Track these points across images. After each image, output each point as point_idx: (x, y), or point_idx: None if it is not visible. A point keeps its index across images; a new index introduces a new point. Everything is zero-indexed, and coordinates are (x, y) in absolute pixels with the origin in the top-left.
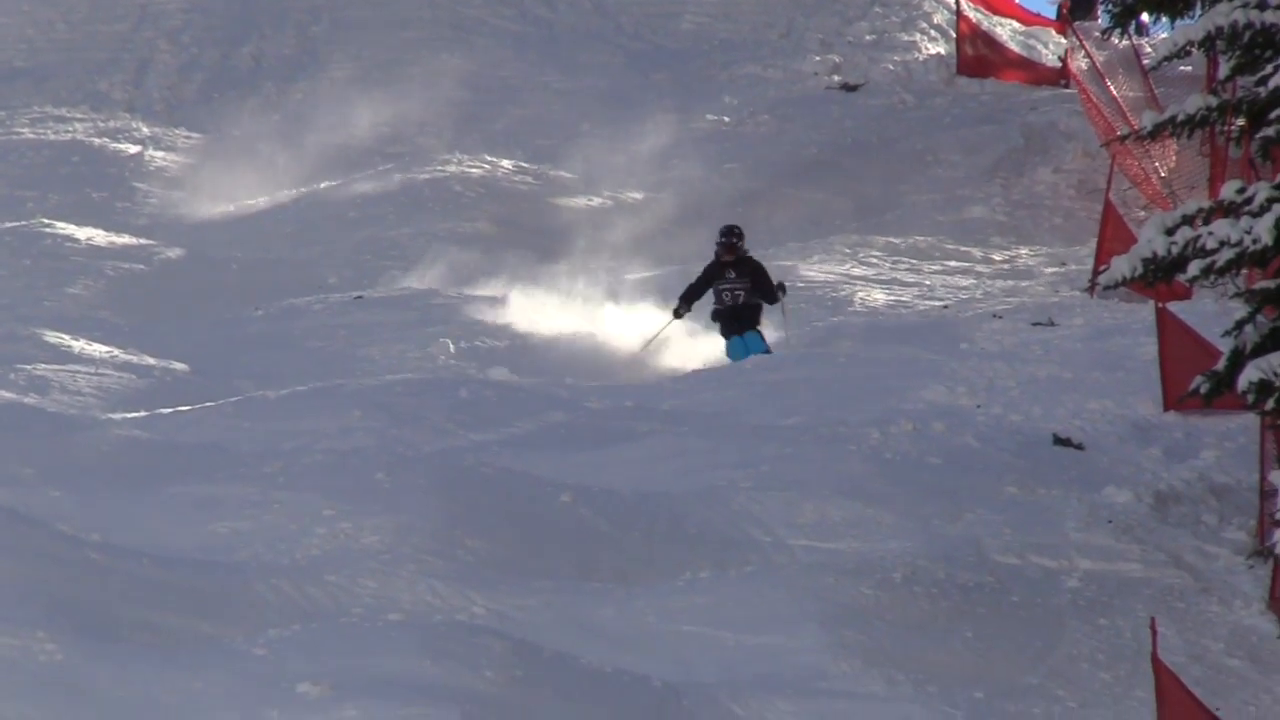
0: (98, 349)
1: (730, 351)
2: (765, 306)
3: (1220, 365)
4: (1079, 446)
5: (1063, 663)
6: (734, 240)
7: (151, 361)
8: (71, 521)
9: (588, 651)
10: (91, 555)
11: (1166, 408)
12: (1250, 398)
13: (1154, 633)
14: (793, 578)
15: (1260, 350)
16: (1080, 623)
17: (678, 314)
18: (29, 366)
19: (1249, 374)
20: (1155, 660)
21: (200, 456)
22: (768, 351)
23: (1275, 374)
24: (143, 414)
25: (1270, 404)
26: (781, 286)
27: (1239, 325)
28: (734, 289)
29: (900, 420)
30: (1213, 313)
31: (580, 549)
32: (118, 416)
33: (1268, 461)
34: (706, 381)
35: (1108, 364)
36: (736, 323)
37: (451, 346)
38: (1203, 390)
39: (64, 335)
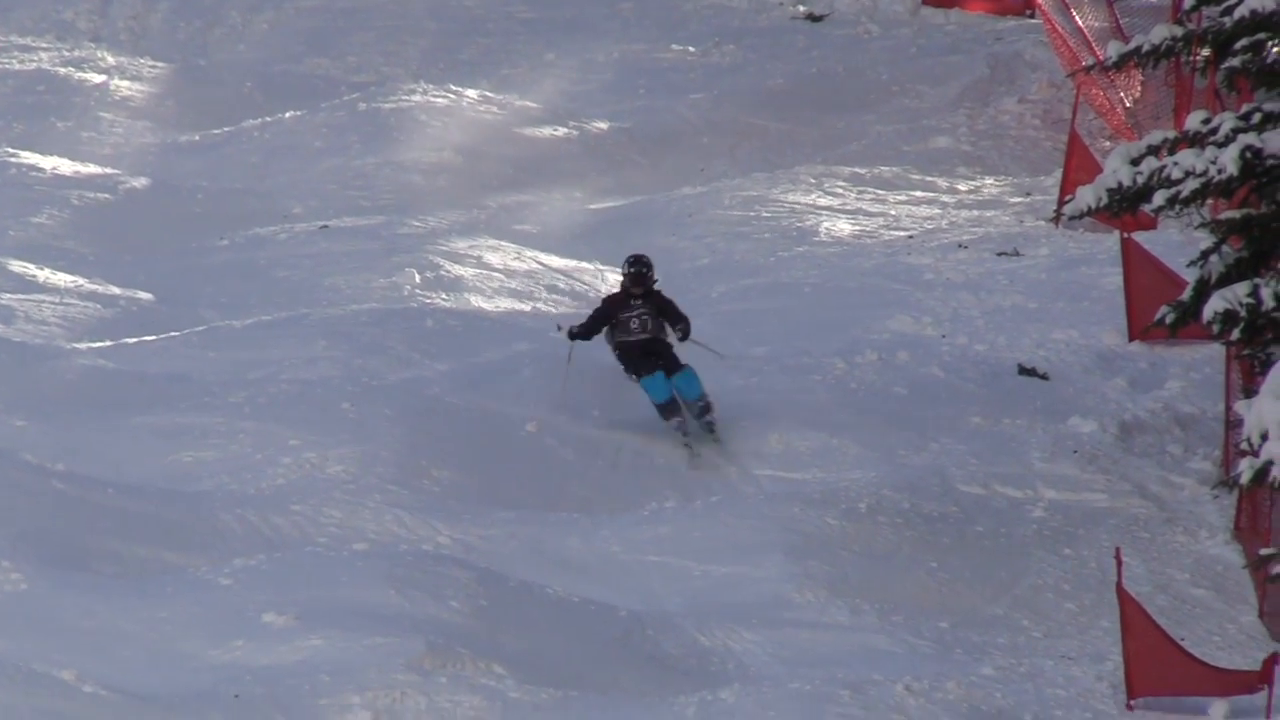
0: (63, 278)
1: (651, 389)
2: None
3: (1185, 295)
4: (1044, 376)
5: (1028, 593)
6: (644, 270)
7: (117, 291)
8: (37, 451)
9: (553, 581)
10: (57, 485)
11: (1132, 338)
12: (1215, 328)
13: (1119, 563)
14: (758, 508)
15: (1225, 280)
16: (1045, 553)
17: (573, 337)
18: None
19: (1214, 304)
20: (1120, 590)
21: (165, 386)
22: (699, 394)
23: (1240, 304)
24: (108, 344)
25: (1235, 334)
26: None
27: (1204, 255)
28: (641, 315)
29: (865, 350)
30: (1178, 243)
31: (545, 479)
32: (83, 346)
33: (1232, 391)
34: None
35: (1073, 294)
36: (651, 359)
37: (417, 276)
38: (1168, 320)
39: (29, 265)
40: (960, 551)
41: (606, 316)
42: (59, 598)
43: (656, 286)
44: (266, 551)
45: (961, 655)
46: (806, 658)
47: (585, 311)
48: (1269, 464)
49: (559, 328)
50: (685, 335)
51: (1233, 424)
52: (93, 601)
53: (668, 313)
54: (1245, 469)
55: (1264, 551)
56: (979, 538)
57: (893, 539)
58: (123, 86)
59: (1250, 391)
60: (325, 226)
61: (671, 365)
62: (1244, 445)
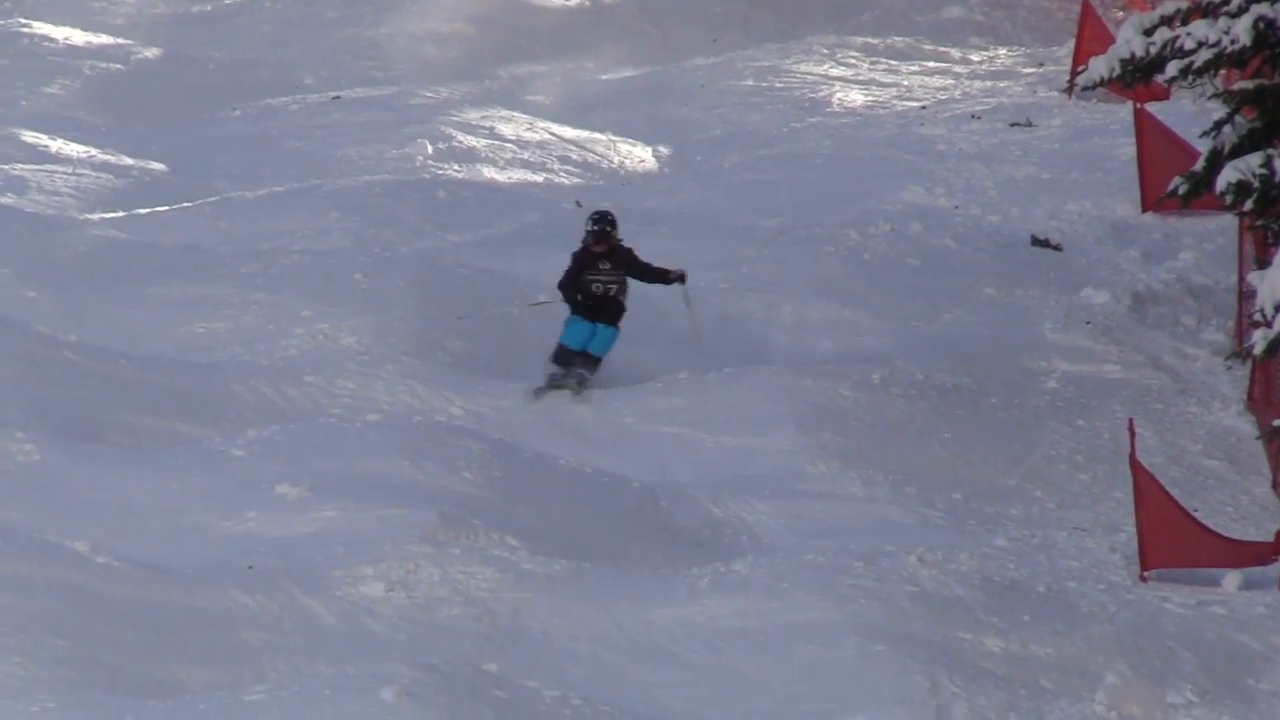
0: (75, 149)
1: (568, 331)
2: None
3: (1198, 166)
4: (1057, 247)
5: (1041, 464)
6: (607, 229)
7: (129, 162)
8: (49, 322)
9: (566, 452)
10: (69, 356)
11: (1144, 209)
12: (1228, 198)
13: (1132, 434)
14: (770, 379)
15: (1238, 151)
16: (1058, 424)
17: (542, 301)
18: (6, 166)
19: (1227, 175)
20: (1133, 461)
21: (178, 257)
22: (601, 354)
23: (1253, 174)
24: (120, 214)
25: (1248, 204)
26: (682, 276)
27: (1217, 126)
28: (606, 281)
29: (878, 221)
30: (1191, 113)
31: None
32: (95, 217)
33: (1245, 262)
34: (684, 181)
35: (1086, 165)
36: (593, 312)
37: (429, 147)
38: (1181, 191)
39: (41, 135)
40: (973, 423)
41: (577, 274)
42: (72, 469)
43: (623, 244)
44: (279, 423)
45: (974, 526)
46: (819, 529)
47: (598, 184)
48: None
49: (578, 204)
50: (663, 280)
51: (1246, 295)
52: (105, 473)
53: (635, 270)
54: (1258, 340)
55: (1277, 422)
56: (992, 409)
57: (906, 410)
58: None
59: (1263, 262)
60: (338, 97)
61: (605, 319)
62: (1257, 316)
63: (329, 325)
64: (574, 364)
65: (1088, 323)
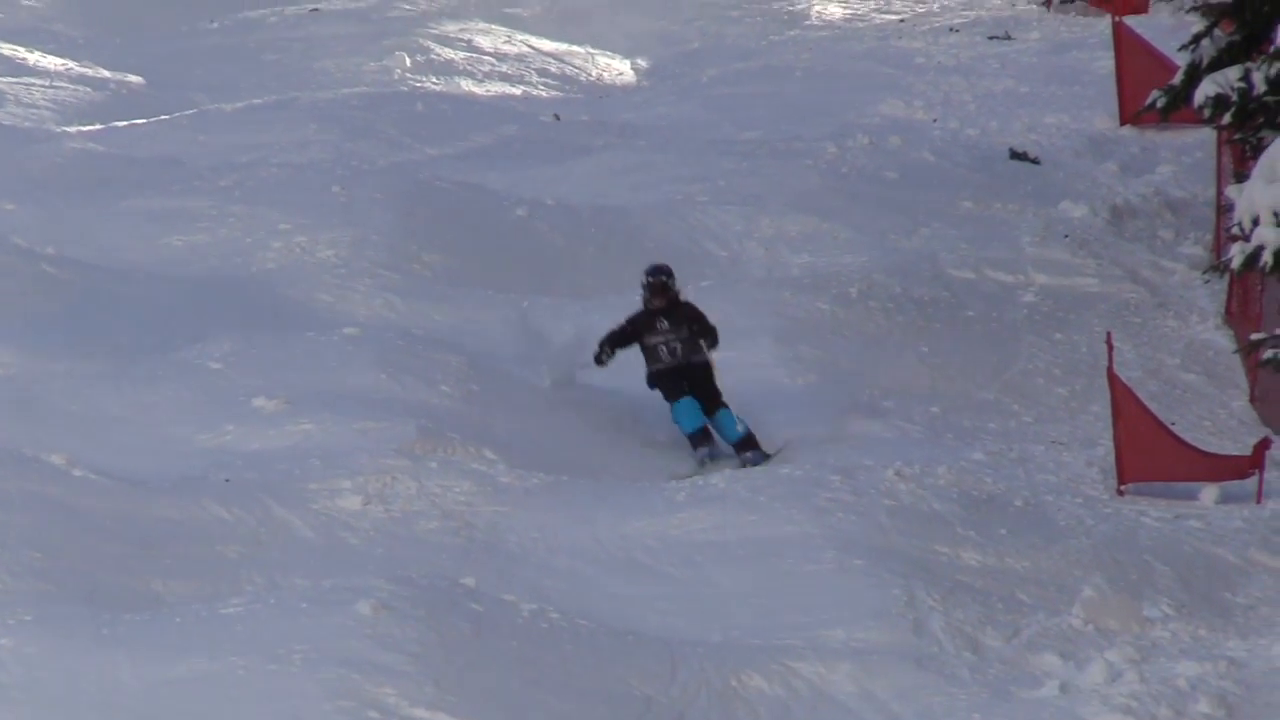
0: (52, 61)
1: (680, 415)
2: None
3: (1176, 80)
4: (1035, 161)
5: (1019, 377)
6: (664, 280)
7: (106, 74)
8: (26, 234)
9: (544, 365)
10: (46, 269)
11: (1123, 122)
12: (1206, 112)
13: (1110, 347)
14: (749, 292)
15: (1216, 65)
16: (1036, 337)
17: (600, 360)
18: None
19: (1205, 88)
20: (1111, 375)
21: (155, 170)
22: (747, 436)
23: (1231, 88)
24: (98, 127)
25: (1226, 119)
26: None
27: (1196, 39)
28: (669, 341)
29: (857, 134)
30: (1169, 27)
31: (536, 263)
32: (73, 129)
33: (1224, 176)
34: (662, 94)
35: (1064, 78)
36: (686, 384)
37: (407, 60)
38: (1159, 105)
39: (18, 48)
40: (951, 336)
41: (631, 337)
42: (49, 381)
43: (683, 298)
44: (256, 336)
45: (952, 440)
46: (797, 441)
47: (576, 97)
48: (1260, 249)
49: (556, 117)
50: (714, 343)
51: (1224, 209)
52: (82, 386)
53: (698, 327)
54: (1236, 254)
55: (1254, 336)
56: (970, 322)
57: (883, 324)
58: None
59: (1241, 176)
60: (315, 10)
61: (709, 396)
62: (1235, 230)
63: (306, 238)
64: (722, 443)
65: (1066, 236)
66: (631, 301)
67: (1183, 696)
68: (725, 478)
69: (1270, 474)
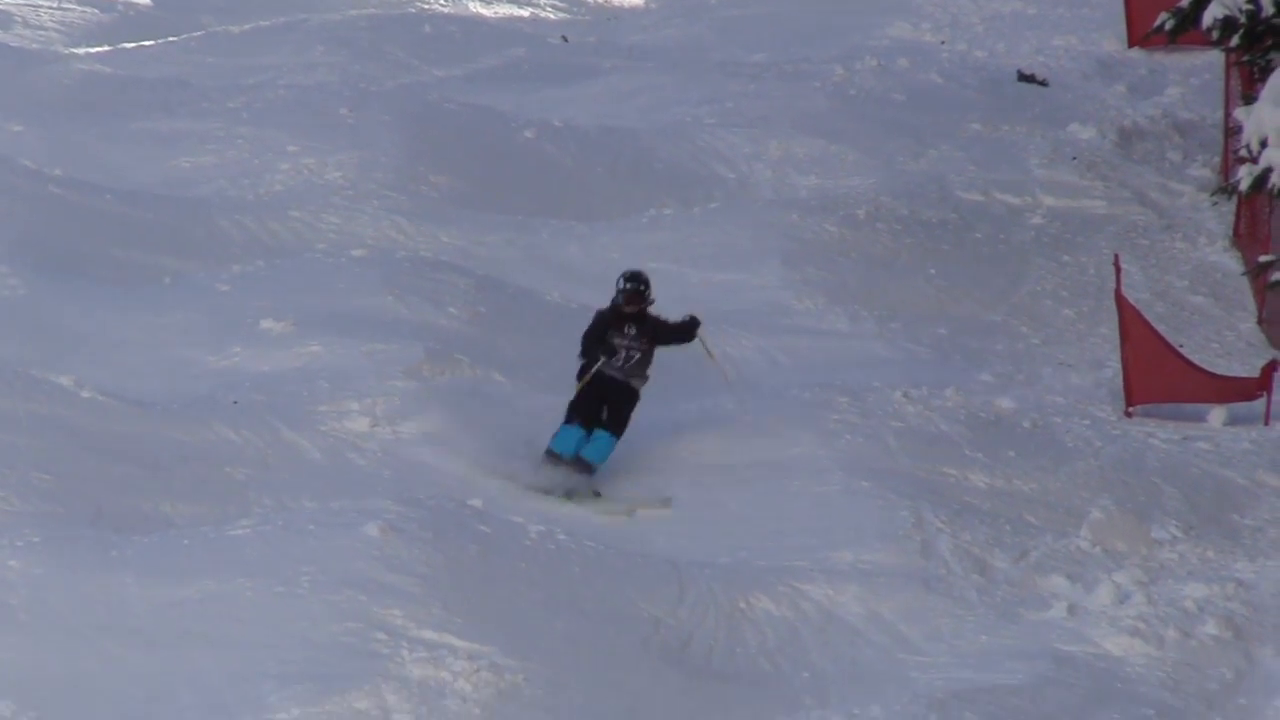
0: None
1: (558, 437)
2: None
3: (1185, 1)
4: (1043, 83)
5: (1026, 299)
6: (640, 288)
7: None
8: (34, 156)
9: (551, 287)
10: (54, 190)
11: (1131, 44)
12: (1214, 34)
13: (1118, 269)
14: (757, 214)
15: None
16: (1044, 259)
17: (593, 365)
18: None
19: (1213, 10)
20: (1119, 296)
21: (164, 92)
22: (595, 464)
23: (1239, 10)
24: (106, 49)
25: (1234, 40)
26: (696, 323)
27: None
28: (630, 348)
29: (865, 57)
30: None
31: (544, 185)
32: (81, 51)
33: (1232, 98)
34: (670, 17)
35: (1072, 0)
36: (598, 404)
37: None
38: (1167, 27)
39: None
40: (959, 258)
41: (600, 336)
42: (57, 303)
43: (654, 313)
44: (265, 258)
45: (960, 362)
46: (805, 364)
47: (584, 19)
48: (1268, 170)
49: (565, 39)
50: (688, 338)
51: (1232, 130)
52: (91, 307)
53: (661, 337)
54: (1244, 175)
55: (1263, 258)
56: (978, 244)
57: (891, 246)
58: None
59: (1249, 98)
60: None
61: (615, 421)
62: (1243, 152)
63: (314, 160)
64: (564, 467)
65: (1074, 158)
66: (638, 225)
67: (1190, 618)
68: (735, 401)
69: (1278, 395)
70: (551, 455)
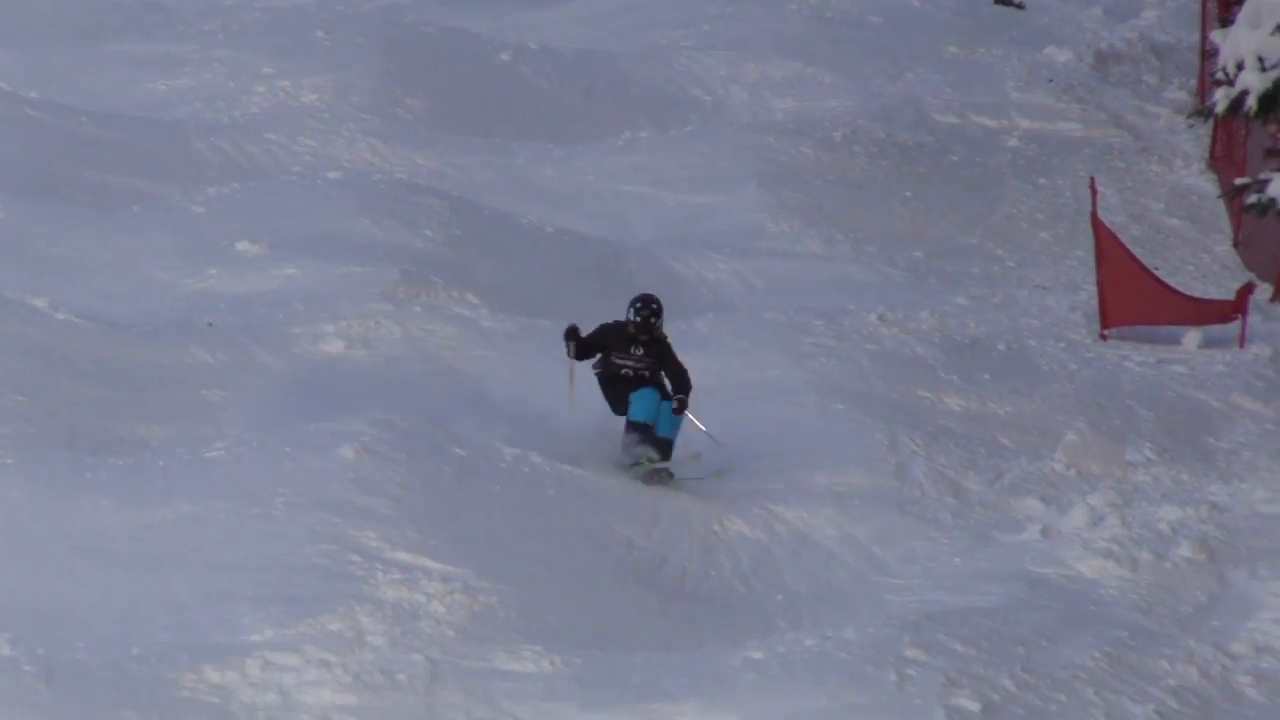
0: None
1: (636, 404)
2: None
3: None
4: (1019, 5)
5: (1002, 222)
6: (651, 318)
7: None
8: (9, 79)
9: (527, 210)
10: (30, 113)
11: None
12: None
13: (1093, 191)
14: (733, 137)
15: None
16: (1020, 182)
17: (567, 344)
18: None
19: None
20: (1094, 219)
21: (139, 14)
22: (669, 438)
23: None
24: None
25: None
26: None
27: None
28: (637, 367)
29: None
30: None
31: (519, 108)
32: None
33: (1209, 20)
34: None
35: None
36: (633, 384)
37: None
38: None
39: None
40: (935, 181)
41: (596, 348)
42: (32, 226)
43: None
44: (240, 180)
45: (935, 285)
46: (780, 286)
47: None
48: (1244, 93)
49: None
50: (681, 407)
51: (1208, 53)
52: (66, 230)
53: (667, 367)
54: (1220, 98)
55: (1239, 181)
56: (954, 167)
57: (867, 168)
58: None
59: (1226, 21)
60: None
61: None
62: (1219, 75)
63: (290, 82)
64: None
65: (1050, 80)
66: (614, 148)
67: (1164, 540)
68: (708, 321)
69: (1253, 318)
70: (633, 426)
